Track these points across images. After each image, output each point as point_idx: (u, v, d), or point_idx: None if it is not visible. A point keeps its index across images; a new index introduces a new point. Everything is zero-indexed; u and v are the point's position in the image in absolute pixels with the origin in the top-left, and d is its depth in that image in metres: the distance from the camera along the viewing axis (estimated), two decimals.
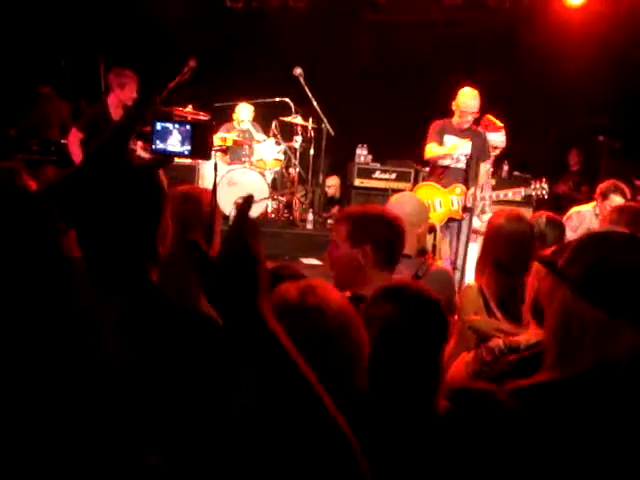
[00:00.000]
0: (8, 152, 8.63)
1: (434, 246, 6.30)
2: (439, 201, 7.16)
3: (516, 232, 3.70)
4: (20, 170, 4.18)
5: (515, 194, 7.11)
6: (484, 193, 7.08)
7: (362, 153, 10.57)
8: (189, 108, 9.00)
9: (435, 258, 4.90)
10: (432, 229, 5.85)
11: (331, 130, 9.48)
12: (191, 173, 9.01)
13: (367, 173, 10.42)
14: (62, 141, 9.04)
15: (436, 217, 7.04)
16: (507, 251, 3.63)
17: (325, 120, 9.39)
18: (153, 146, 1.53)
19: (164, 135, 1.50)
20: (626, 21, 9.50)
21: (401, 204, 4.04)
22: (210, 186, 8.36)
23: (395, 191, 8.31)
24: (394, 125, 10.17)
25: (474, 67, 10.64)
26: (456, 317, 3.95)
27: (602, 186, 6.50)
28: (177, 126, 1.52)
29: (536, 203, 9.95)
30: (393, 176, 10.23)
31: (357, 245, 3.10)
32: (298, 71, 9.16)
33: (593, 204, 6.59)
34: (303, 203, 10.17)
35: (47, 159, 8.87)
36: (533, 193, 7.02)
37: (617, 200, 6.21)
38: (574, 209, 6.74)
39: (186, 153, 1.45)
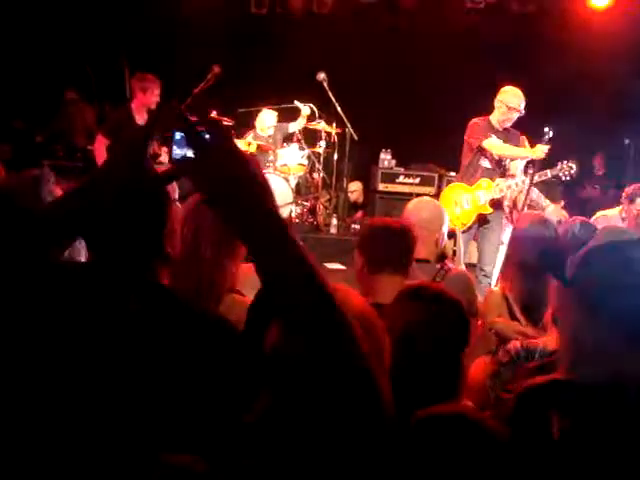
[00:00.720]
0: (35, 158, 8.70)
1: (454, 251, 6.27)
2: (466, 199, 6.98)
3: (540, 236, 3.70)
4: (48, 177, 4.21)
5: (541, 176, 6.83)
6: (517, 180, 6.90)
7: (386, 158, 10.56)
8: (213, 114, 9.04)
9: (455, 262, 4.88)
10: (452, 234, 5.80)
11: (355, 135, 9.49)
12: None
13: (391, 178, 10.40)
14: (88, 147, 9.12)
15: (465, 215, 6.96)
16: (531, 255, 3.62)
17: (349, 125, 9.40)
18: (173, 155, 1.54)
19: (183, 143, 1.51)
20: None
21: (418, 209, 4.04)
22: None
23: (419, 195, 8.30)
24: (418, 130, 10.15)
25: (498, 72, 10.59)
26: (479, 321, 3.95)
27: (628, 190, 6.46)
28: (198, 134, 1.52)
29: (565, 206, 9.87)
30: (417, 180, 10.22)
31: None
32: (322, 76, 9.18)
33: (619, 208, 6.55)
34: (327, 208, 10.18)
35: (73, 165, 8.94)
36: (560, 173, 6.81)
37: None
38: (600, 213, 6.69)
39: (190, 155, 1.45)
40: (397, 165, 10.57)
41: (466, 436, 1.69)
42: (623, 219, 6.39)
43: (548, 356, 2.70)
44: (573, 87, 10.08)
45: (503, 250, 6.29)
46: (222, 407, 1.58)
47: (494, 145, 6.87)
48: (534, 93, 10.59)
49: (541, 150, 6.76)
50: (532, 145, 7.02)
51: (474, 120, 7.08)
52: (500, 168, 6.94)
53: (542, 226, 3.79)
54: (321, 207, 10.07)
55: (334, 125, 9.54)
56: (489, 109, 7.21)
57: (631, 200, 6.35)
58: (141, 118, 7.78)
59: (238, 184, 1.29)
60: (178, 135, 1.53)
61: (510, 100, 6.94)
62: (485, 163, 6.94)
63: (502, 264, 3.94)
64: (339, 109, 9.28)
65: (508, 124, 6.97)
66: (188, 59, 9.83)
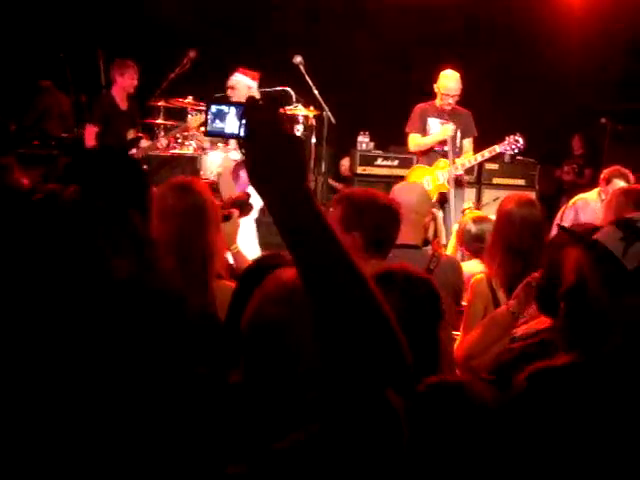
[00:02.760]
0: (8, 147, 8.62)
1: (435, 233, 6.32)
2: (427, 179, 7.34)
3: (528, 217, 3.70)
4: (12, 166, 4.19)
5: (491, 152, 7.27)
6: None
7: (364, 140, 10.52)
8: (189, 99, 8.96)
9: (440, 245, 4.89)
10: (434, 217, 5.89)
11: (332, 118, 9.43)
12: (192, 164, 8.96)
13: (369, 160, 10.37)
14: (63, 135, 9.04)
15: None
16: (519, 237, 3.62)
17: (326, 108, 9.35)
18: (208, 128, 1.58)
19: (219, 117, 1.53)
20: (627, 2, 9.46)
21: (407, 193, 4.04)
22: (212, 177, 8.43)
23: (398, 178, 8.30)
24: (396, 112, 10.12)
25: (475, 51, 10.60)
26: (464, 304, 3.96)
27: (606, 172, 6.53)
28: (233, 108, 1.54)
29: (540, 192, 9.94)
30: (395, 163, 10.20)
31: (347, 231, 3.14)
32: (298, 59, 9.09)
33: (597, 190, 6.59)
34: (309, 180, 10.14)
35: (47, 153, 8.85)
36: (508, 147, 7.29)
37: (621, 185, 6.20)
38: (579, 196, 6.76)
39: (242, 134, 1.48)
40: (375, 148, 10.55)
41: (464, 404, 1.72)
42: (602, 200, 6.42)
43: (531, 337, 2.70)
44: (552, 66, 10.11)
45: None
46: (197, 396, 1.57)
47: (410, 141, 7.51)
48: (513, 73, 10.66)
49: (449, 129, 7.19)
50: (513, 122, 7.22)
51: (417, 105, 7.60)
52: (455, 148, 7.30)
53: (530, 207, 3.79)
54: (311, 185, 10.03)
55: (312, 109, 9.47)
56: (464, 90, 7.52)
57: (608, 181, 6.39)
58: (122, 103, 7.88)
59: (282, 166, 1.40)
60: (214, 108, 1.55)
61: (443, 84, 7.37)
62: (437, 146, 7.38)
63: (488, 246, 3.91)
64: (316, 92, 9.22)
65: (448, 107, 7.35)
66: (164, 43, 9.75)
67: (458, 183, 7.38)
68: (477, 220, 4.82)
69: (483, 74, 10.66)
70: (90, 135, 7.79)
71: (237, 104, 1.55)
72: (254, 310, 1.67)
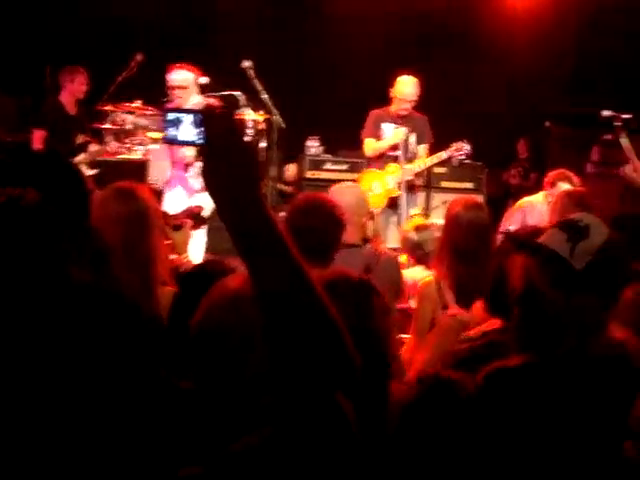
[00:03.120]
0: None
1: (375, 232, 6.41)
2: (376, 184, 7.50)
3: (475, 220, 3.75)
4: None
5: (439, 158, 7.46)
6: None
7: (313, 145, 10.53)
8: (137, 103, 8.88)
9: (379, 243, 4.94)
10: (372, 216, 5.99)
11: (282, 122, 9.43)
12: (140, 170, 8.88)
13: (318, 165, 10.37)
14: (7, 140, 8.91)
15: (377, 199, 7.35)
16: (466, 239, 3.66)
17: (276, 112, 9.34)
18: (165, 135, 1.59)
19: (176, 124, 1.54)
20: (570, 9, 9.63)
21: (344, 194, 4.11)
22: (160, 183, 8.37)
23: (347, 182, 8.32)
24: (345, 116, 10.17)
25: (424, 57, 10.69)
26: (412, 305, 4.01)
27: (551, 175, 6.64)
28: (190, 115, 1.55)
29: (487, 195, 10.06)
30: (345, 167, 10.21)
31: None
32: (247, 64, 9.08)
33: (543, 193, 6.69)
34: (262, 189, 10.10)
35: None
36: (455, 153, 7.44)
37: (565, 187, 6.31)
38: (525, 199, 6.86)
39: (199, 142, 1.49)
40: (325, 152, 10.57)
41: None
42: (548, 203, 6.53)
43: (480, 338, 2.73)
44: (498, 71, 10.24)
45: None
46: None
47: (365, 146, 7.59)
48: (461, 78, 10.77)
49: (401, 133, 7.23)
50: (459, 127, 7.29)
51: (372, 111, 7.64)
52: (408, 154, 7.38)
53: (477, 210, 3.84)
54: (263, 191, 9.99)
55: (261, 113, 9.46)
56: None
57: (553, 184, 6.49)
58: (71, 109, 7.85)
59: (238, 174, 1.42)
60: (171, 116, 1.56)
61: (400, 90, 7.45)
62: (390, 150, 7.44)
63: (436, 249, 3.96)
64: (265, 97, 9.21)
65: (404, 112, 7.42)
66: (110, 47, 9.66)
67: (410, 188, 7.46)
68: (418, 228, 4.97)
69: (431, 79, 10.77)
70: (38, 139, 7.74)
71: (194, 111, 1.56)
72: (202, 318, 1.68)
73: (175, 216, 3.57)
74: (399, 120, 7.42)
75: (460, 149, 7.39)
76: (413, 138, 7.53)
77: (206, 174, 1.46)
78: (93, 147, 7.92)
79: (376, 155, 7.65)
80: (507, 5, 10.37)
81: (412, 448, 1.79)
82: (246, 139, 1.52)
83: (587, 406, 1.78)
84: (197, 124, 1.51)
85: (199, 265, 2.58)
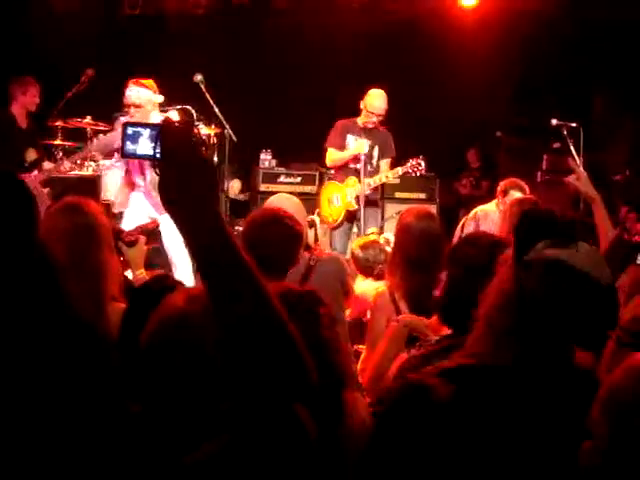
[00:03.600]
0: None
1: (317, 240, 6.45)
2: (337, 196, 7.61)
3: (426, 229, 3.77)
4: None
5: (394, 174, 7.54)
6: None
7: (266, 158, 10.55)
8: (88, 119, 8.81)
9: (319, 249, 4.99)
10: (312, 224, 6.07)
11: (234, 136, 9.42)
12: (92, 185, 8.80)
13: (272, 178, 10.40)
14: None
15: (335, 211, 7.56)
16: (418, 249, 3.69)
17: (227, 126, 9.33)
18: (124, 149, 1.59)
19: (135, 138, 1.53)
20: (517, 21, 9.77)
21: (281, 204, 4.16)
22: (113, 198, 8.29)
23: (301, 194, 8.35)
24: (297, 129, 10.20)
25: (375, 69, 10.77)
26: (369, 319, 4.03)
27: (502, 183, 6.72)
28: (148, 129, 1.54)
29: (440, 205, 10.17)
30: (298, 180, 10.26)
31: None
32: (198, 78, 9.05)
33: (496, 201, 6.76)
34: (219, 204, 10.06)
35: None
36: (410, 170, 7.42)
37: (517, 196, 6.39)
38: (479, 208, 6.93)
39: (157, 156, 1.48)
40: (278, 165, 10.59)
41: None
42: (501, 212, 6.60)
43: (432, 345, 2.75)
44: (448, 81, 10.34)
45: None
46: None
47: (327, 155, 7.56)
48: (411, 89, 10.85)
49: (363, 145, 7.26)
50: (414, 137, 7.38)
51: (339, 121, 7.62)
52: (370, 167, 7.47)
53: (428, 219, 3.88)
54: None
55: (213, 127, 9.44)
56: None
57: (505, 193, 6.57)
58: (22, 121, 7.76)
59: (194, 188, 1.42)
60: (130, 130, 1.56)
61: (369, 103, 7.45)
62: (352, 163, 7.48)
63: (389, 259, 3.98)
64: (217, 110, 9.20)
65: (371, 125, 7.44)
66: (60, 62, 9.55)
67: (370, 203, 7.53)
68: (363, 246, 5.07)
69: (384, 90, 10.83)
70: None
71: (152, 125, 1.56)
72: (151, 334, 1.67)
73: (129, 232, 3.52)
74: (364, 133, 7.44)
75: (415, 166, 7.41)
76: (376, 152, 7.59)
77: (162, 189, 1.45)
78: (47, 165, 7.80)
79: (336, 166, 7.70)
80: (455, 18, 10.49)
81: (390, 457, 1.79)
82: (204, 154, 1.50)
83: (563, 412, 1.79)
84: (155, 138, 1.51)
85: (146, 282, 2.55)
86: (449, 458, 1.73)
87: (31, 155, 7.85)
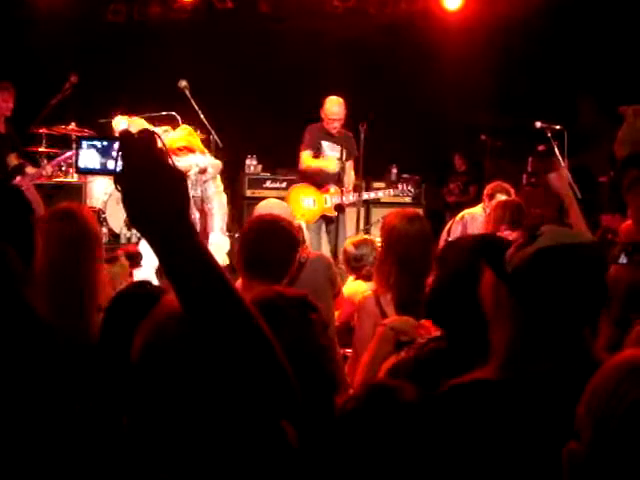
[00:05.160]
0: None
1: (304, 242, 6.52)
2: (312, 199, 7.86)
3: (420, 231, 3.77)
4: None
5: (385, 194, 8.29)
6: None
7: (252, 163, 10.57)
8: (72, 125, 8.78)
9: (307, 250, 5.01)
10: (299, 228, 6.16)
11: (219, 142, 9.41)
12: (77, 192, 8.77)
13: (258, 183, 10.42)
14: None
15: (310, 214, 7.76)
16: (411, 250, 3.67)
17: (213, 132, 9.32)
18: (80, 165, 1.50)
19: (92, 153, 1.47)
20: (501, 24, 9.82)
21: (270, 209, 4.20)
22: (99, 205, 8.27)
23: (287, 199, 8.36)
24: (281, 134, 10.20)
25: (360, 75, 10.79)
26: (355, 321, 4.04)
27: (488, 187, 6.76)
28: (105, 142, 1.47)
29: (426, 208, 10.21)
30: (284, 185, 10.26)
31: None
32: (183, 83, 9.02)
33: (482, 205, 6.79)
34: (191, 212, 10.04)
35: None
36: (401, 194, 8.21)
37: (502, 199, 6.41)
38: (467, 211, 6.95)
39: (117, 170, 1.41)
40: (263, 170, 10.60)
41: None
42: (487, 215, 6.62)
43: (419, 347, 2.74)
44: (434, 85, 10.37)
45: None
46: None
47: (302, 158, 7.88)
48: (396, 92, 10.88)
49: (334, 163, 7.75)
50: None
51: (309, 125, 7.97)
52: (343, 172, 7.85)
53: (418, 221, 3.87)
54: (194, 217, 9.93)
55: (198, 132, 9.43)
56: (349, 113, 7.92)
57: (491, 197, 6.59)
58: (0, 126, 7.67)
59: (162, 201, 1.35)
60: (85, 144, 1.50)
61: (328, 108, 7.86)
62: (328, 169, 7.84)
63: (377, 265, 3.96)
64: (202, 116, 9.19)
65: (334, 130, 7.83)
66: (44, 69, 9.52)
67: (340, 209, 7.88)
68: (356, 244, 5.10)
69: (369, 97, 10.86)
70: None
71: (110, 138, 1.49)
72: (147, 340, 1.59)
73: (111, 248, 3.51)
74: (332, 138, 7.86)
75: (405, 191, 8.08)
76: (345, 156, 7.91)
77: (127, 205, 1.36)
78: (30, 170, 7.73)
79: (309, 170, 7.91)
80: (439, 21, 10.53)
81: (351, 458, 1.78)
82: (170, 165, 1.38)
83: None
84: (115, 151, 1.42)
85: (123, 290, 2.51)
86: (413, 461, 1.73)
87: (12, 160, 7.77)
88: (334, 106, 7.85)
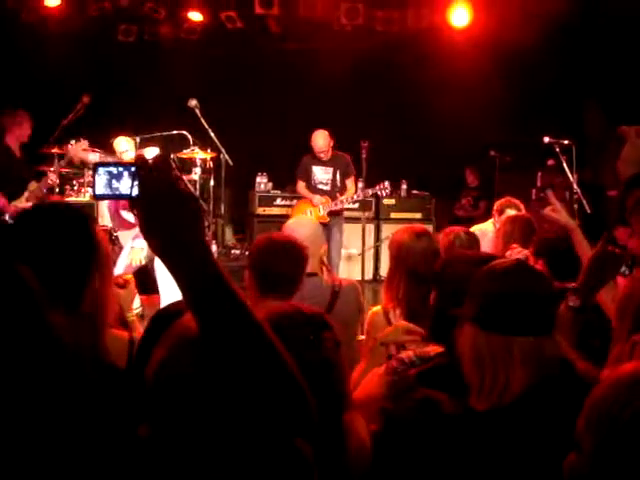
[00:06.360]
0: None
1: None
2: (309, 211, 8.97)
3: (430, 246, 3.80)
4: None
5: (364, 195, 8.88)
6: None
7: (262, 181, 10.62)
8: (85, 145, 8.83)
9: (338, 277, 4.99)
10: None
11: (229, 160, 9.47)
12: (89, 211, 8.81)
13: (268, 201, 10.47)
14: None
15: None
16: (423, 265, 3.68)
17: (223, 150, 9.38)
18: (97, 191, 1.52)
19: (108, 179, 1.50)
20: (508, 40, 9.84)
21: (301, 227, 4.15)
22: (110, 224, 8.31)
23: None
24: (292, 151, 10.25)
25: (372, 91, 10.84)
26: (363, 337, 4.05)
27: (498, 203, 6.72)
28: (121, 168, 1.50)
29: (436, 223, 10.23)
30: (294, 202, 10.30)
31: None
32: (193, 103, 9.12)
33: (492, 220, 6.78)
34: (206, 235, 10.09)
35: None
36: (378, 192, 8.92)
37: (512, 214, 6.40)
38: (476, 227, 6.94)
39: (133, 195, 1.45)
40: (274, 188, 10.64)
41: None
42: (497, 230, 6.61)
43: (426, 362, 2.74)
44: (443, 101, 10.39)
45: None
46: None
47: (298, 186, 9.22)
48: (405, 108, 10.92)
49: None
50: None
51: (304, 156, 9.10)
52: (336, 188, 9.03)
53: (426, 236, 3.90)
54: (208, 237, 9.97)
55: (209, 151, 9.49)
56: (354, 130, 8.48)
57: (501, 212, 6.58)
58: (17, 152, 7.88)
59: (177, 223, 1.40)
60: (102, 170, 1.51)
61: (313, 142, 8.87)
62: (321, 185, 9.04)
63: (386, 282, 3.98)
64: (212, 135, 9.25)
65: (324, 157, 8.95)
66: (56, 90, 9.61)
67: (335, 213, 9.02)
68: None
69: (379, 111, 10.91)
70: None
71: (126, 164, 1.51)
72: (163, 360, 1.60)
73: (119, 275, 3.50)
74: (323, 163, 9.02)
75: (382, 189, 8.82)
76: (338, 175, 9.05)
77: (144, 228, 1.41)
78: (32, 185, 7.83)
79: (302, 195, 9.23)
80: (444, 39, 10.55)
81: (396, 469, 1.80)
82: (184, 189, 1.44)
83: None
84: (129, 177, 1.46)
85: (168, 305, 2.53)
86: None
87: (33, 186, 7.92)
88: (319, 140, 8.89)
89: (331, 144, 8.96)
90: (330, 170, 9.03)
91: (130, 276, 3.38)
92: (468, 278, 2.45)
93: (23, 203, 7.50)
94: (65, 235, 2.30)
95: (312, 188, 9.10)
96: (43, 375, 1.41)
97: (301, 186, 9.21)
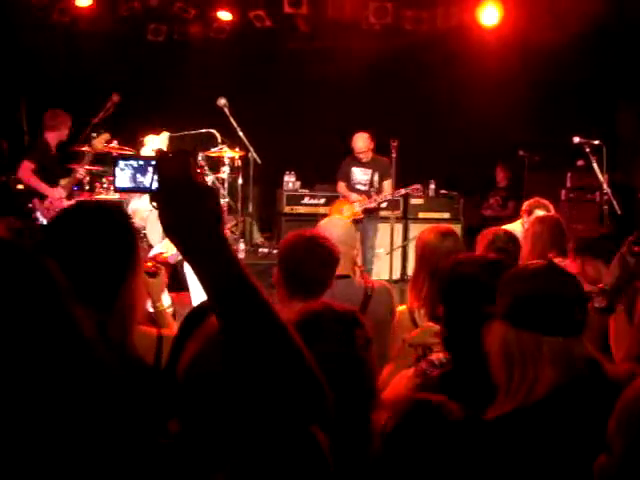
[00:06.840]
0: None
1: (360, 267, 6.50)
2: (346, 208, 9.20)
3: (452, 247, 3.78)
4: None
5: (396, 194, 9.17)
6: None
7: (290, 180, 10.62)
8: (114, 143, 8.90)
9: (370, 279, 4.97)
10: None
11: (258, 159, 9.50)
12: None
13: (296, 199, 10.47)
14: None
15: (345, 219, 7.99)
16: (442, 266, 3.67)
17: (251, 149, 9.41)
18: (117, 184, 1.56)
19: (128, 172, 1.52)
20: (538, 39, 9.78)
21: (333, 227, 4.10)
22: (142, 222, 8.40)
23: (324, 216, 8.42)
24: (320, 150, 10.26)
25: (397, 89, 10.82)
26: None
27: (527, 203, 6.67)
28: (142, 162, 1.52)
29: (465, 222, 10.19)
30: (322, 201, 10.32)
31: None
32: (222, 102, 9.16)
33: (521, 221, 6.74)
34: (234, 233, 10.13)
35: None
36: (410, 192, 9.29)
37: (541, 215, 6.36)
38: (504, 227, 6.88)
39: (153, 188, 1.47)
40: (302, 187, 10.65)
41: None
42: (525, 231, 6.57)
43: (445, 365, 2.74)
44: (471, 100, 10.36)
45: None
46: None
47: (337, 186, 9.41)
48: (433, 107, 10.88)
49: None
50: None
51: (347, 157, 9.27)
52: (373, 189, 9.20)
53: (451, 236, 3.89)
54: (228, 233, 10.01)
55: (237, 150, 9.53)
56: (385, 129, 8.56)
57: (530, 212, 6.54)
58: (54, 149, 8.24)
59: (195, 217, 1.40)
60: (122, 164, 1.54)
61: (354, 144, 9.10)
62: (359, 186, 9.25)
63: (412, 281, 3.98)
64: (241, 134, 9.29)
65: (364, 159, 9.13)
66: (87, 89, 9.69)
67: (370, 210, 9.17)
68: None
69: (408, 110, 10.88)
70: (25, 170, 7.98)
71: (146, 158, 1.54)
72: (194, 358, 1.64)
73: (152, 261, 3.47)
74: (364, 164, 9.22)
75: (415, 189, 9.19)
76: (376, 177, 9.20)
77: (164, 221, 1.43)
78: (63, 182, 8.20)
79: (342, 194, 9.42)
80: (473, 38, 10.50)
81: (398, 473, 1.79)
82: (203, 182, 1.45)
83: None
84: (150, 170, 1.49)
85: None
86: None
87: (64, 181, 8.33)
88: (359, 141, 9.09)
89: (371, 146, 9.12)
90: (369, 172, 9.22)
91: (161, 266, 3.36)
92: (475, 279, 2.47)
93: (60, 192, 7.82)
94: (108, 233, 2.31)
95: (351, 188, 9.28)
96: (60, 366, 1.41)
97: (341, 186, 9.41)
